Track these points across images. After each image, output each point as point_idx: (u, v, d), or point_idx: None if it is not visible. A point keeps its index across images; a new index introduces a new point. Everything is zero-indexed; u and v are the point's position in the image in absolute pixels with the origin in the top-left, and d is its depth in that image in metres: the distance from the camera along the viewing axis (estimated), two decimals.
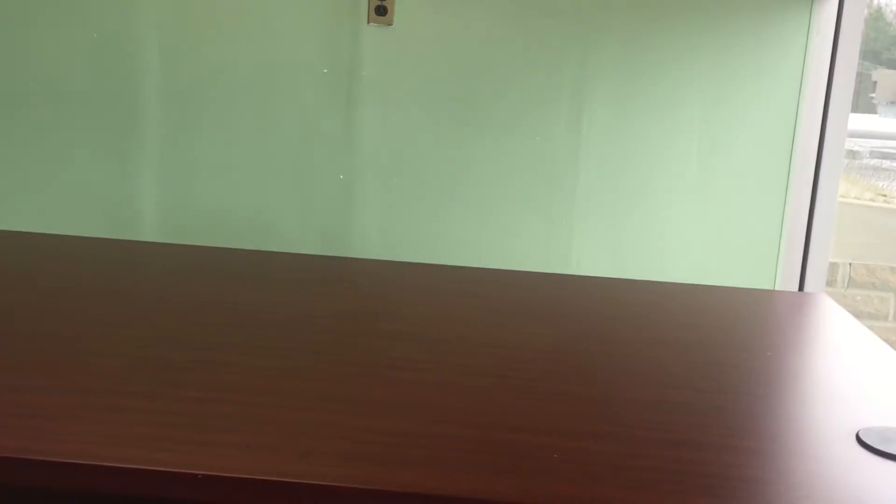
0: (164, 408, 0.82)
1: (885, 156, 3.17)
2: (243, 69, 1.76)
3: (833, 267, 2.34)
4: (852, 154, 3.07)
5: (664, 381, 0.98)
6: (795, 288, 1.76)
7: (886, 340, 1.17)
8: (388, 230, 1.80)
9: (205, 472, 0.71)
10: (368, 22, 1.73)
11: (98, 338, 1.00)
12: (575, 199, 1.75)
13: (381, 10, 1.72)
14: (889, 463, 0.79)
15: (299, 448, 0.75)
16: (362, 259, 1.68)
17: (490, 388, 0.92)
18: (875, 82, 3.47)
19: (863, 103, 3.40)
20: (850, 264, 2.33)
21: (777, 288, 1.74)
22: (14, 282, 1.23)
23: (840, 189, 1.78)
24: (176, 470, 0.71)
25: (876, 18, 2.78)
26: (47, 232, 1.60)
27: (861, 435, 0.84)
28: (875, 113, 3.48)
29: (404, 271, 1.45)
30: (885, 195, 2.97)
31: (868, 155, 3.16)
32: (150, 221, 1.81)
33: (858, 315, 2.25)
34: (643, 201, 1.75)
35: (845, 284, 2.34)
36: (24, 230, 1.58)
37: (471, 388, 0.92)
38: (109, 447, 0.73)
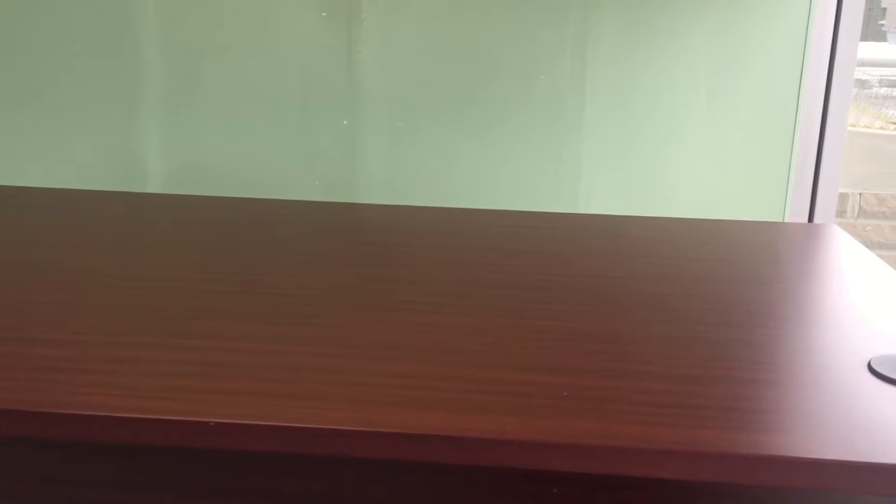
0: (175, 357, 0.82)
1: (894, 84, 3.12)
2: (241, 15, 1.73)
3: (843, 197, 2.32)
4: (862, 83, 3.02)
5: (674, 316, 0.98)
6: (805, 219, 1.75)
7: None
8: (394, 175, 1.79)
9: (217, 420, 0.71)
10: None
11: (106, 289, 1.00)
12: (582, 137, 1.73)
13: None
14: None
15: (310, 393, 0.76)
16: (368, 204, 1.67)
17: (500, 328, 0.92)
18: (885, 9, 3.40)
19: (872, 31, 3.34)
20: (860, 194, 2.31)
21: (786, 219, 1.72)
22: (19, 237, 1.23)
23: (850, 118, 1.75)
24: (188, 418, 0.71)
25: None
26: (50, 186, 1.59)
27: (873, 364, 0.83)
28: (885, 41, 3.42)
29: (411, 215, 1.44)
30: (895, 123, 2.93)
31: (878, 83, 3.12)
32: (153, 172, 1.80)
33: (869, 244, 2.24)
34: (651, 135, 1.72)
35: (855, 214, 2.32)
36: (25, 185, 1.57)
37: (480, 330, 0.91)
38: (121, 398, 0.74)
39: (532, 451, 0.69)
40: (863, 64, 2.89)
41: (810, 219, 1.75)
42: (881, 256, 1.22)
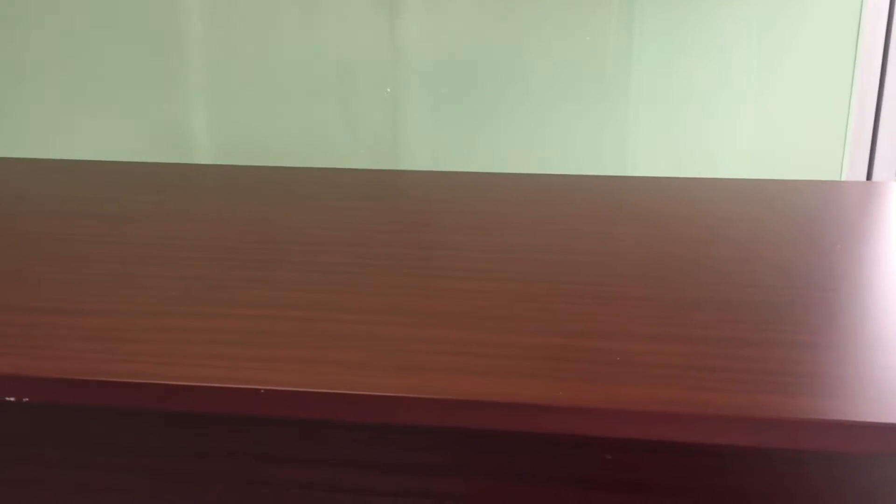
0: (222, 326, 0.82)
1: None
2: None
3: None
4: None
5: (728, 279, 0.95)
6: (863, 177, 1.70)
7: None
8: (437, 141, 1.77)
9: (268, 387, 0.71)
10: None
11: (152, 259, 1.01)
12: (628, 99, 1.70)
13: None
14: None
15: (357, 360, 0.75)
16: (411, 171, 1.66)
17: (548, 294, 0.90)
18: None
19: None
20: None
21: (844, 178, 1.67)
22: (67, 209, 1.24)
23: None
24: (239, 386, 0.71)
25: None
26: (94, 159, 1.61)
27: None
28: None
29: (454, 181, 1.43)
30: None
31: None
32: (199, 144, 1.81)
33: None
34: (700, 95, 1.68)
35: None
36: (70, 158, 1.59)
37: (528, 295, 0.90)
38: (171, 366, 0.74)
39: (585, 417, 0.68)
40: None
41: (869, 177, 1.70)
42: None
